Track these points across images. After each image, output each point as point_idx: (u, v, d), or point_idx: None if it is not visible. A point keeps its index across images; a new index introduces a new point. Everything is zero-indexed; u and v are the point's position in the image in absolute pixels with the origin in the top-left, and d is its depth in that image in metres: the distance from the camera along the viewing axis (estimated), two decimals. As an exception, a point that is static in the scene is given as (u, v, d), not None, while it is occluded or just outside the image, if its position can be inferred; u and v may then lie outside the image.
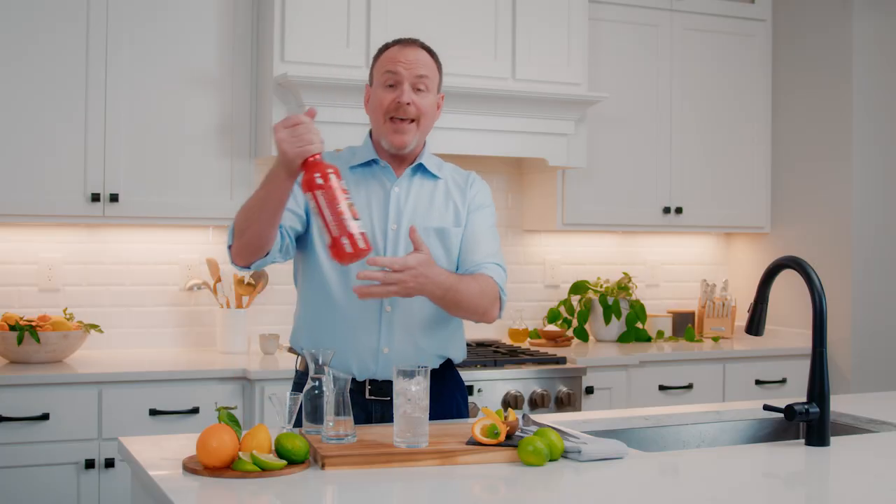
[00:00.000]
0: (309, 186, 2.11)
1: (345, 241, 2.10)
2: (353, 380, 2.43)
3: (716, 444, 2.58)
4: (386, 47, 2.51)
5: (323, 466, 1.93)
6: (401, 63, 2.43)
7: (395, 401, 2.04)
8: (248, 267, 2.38)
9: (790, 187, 4.68)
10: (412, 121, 2.44)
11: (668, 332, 4.63)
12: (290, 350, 3.90)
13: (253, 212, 2.28)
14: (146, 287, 3.99)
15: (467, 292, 2.35)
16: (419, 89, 2.43)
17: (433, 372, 2.47)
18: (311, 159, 2.13)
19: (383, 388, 2.43)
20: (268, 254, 2.35)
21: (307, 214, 2.45)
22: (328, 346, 2.38)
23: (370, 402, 2.46)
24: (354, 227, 2.10)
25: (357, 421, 2.35)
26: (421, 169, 2.53)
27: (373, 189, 2.50)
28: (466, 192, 2.56)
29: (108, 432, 3.33)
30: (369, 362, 2.44)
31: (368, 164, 2.52)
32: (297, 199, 2.41)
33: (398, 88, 2.43)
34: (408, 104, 2.41)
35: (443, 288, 2.28)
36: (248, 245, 2.32)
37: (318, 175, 2.11)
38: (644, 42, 4.49)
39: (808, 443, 2.21)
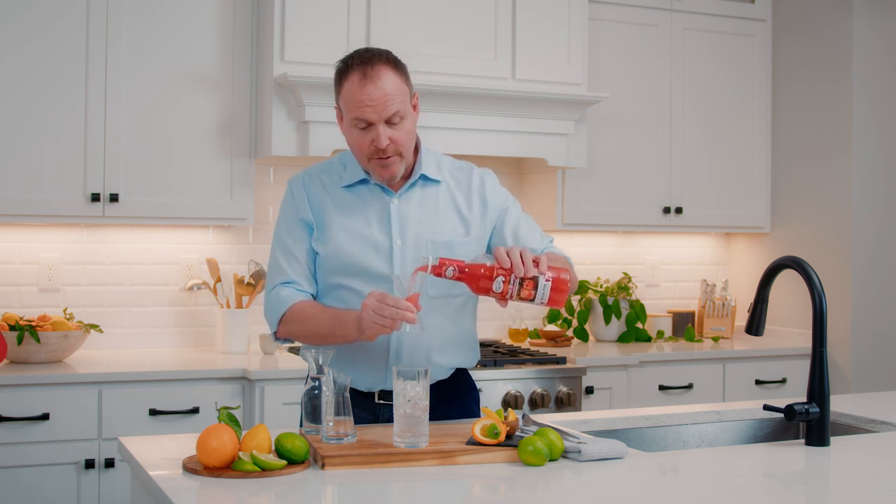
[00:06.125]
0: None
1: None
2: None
3: (716, 444, 2.58)
4: (345, 73, 2.32)
5: (323, 466, 1.93)
6: (367, 107, 2.27)
7: (394, 401, 2.04)
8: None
9: (790, 187, 4.68)
10: (395, 153, 2.34)
11: (668, 332, 4.63)
12: (291, 350, 3.91)
13: (316, 335, 2.35)
14: (146, 287, 3.99)
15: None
16: (393, 123, 2.30)
17: (446, 380, 2.47)
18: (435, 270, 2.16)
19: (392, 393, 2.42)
20: None
21: (310, 240, 2.43)
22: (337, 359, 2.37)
23: (379, 405, 2.44)
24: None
25: (364, 423, 2.35)
26: (421, 178, 2.43)
27: (371, 205, 2.40)
28: (482, 194, 2.49)
29: (108, 432, 3.33)
30: (379, 380, 2.41)
31: (361, 181, 2.42)
32: (305, 237, 2.42)
33: (372, 130, 2.30)
34: (387, 146, 2.30)
35: None
36: (301, 341, 2.43)
37: (453, 268, 2.16)
38: (644, 42, 4.49)
39: (808, 443, 2.22)
